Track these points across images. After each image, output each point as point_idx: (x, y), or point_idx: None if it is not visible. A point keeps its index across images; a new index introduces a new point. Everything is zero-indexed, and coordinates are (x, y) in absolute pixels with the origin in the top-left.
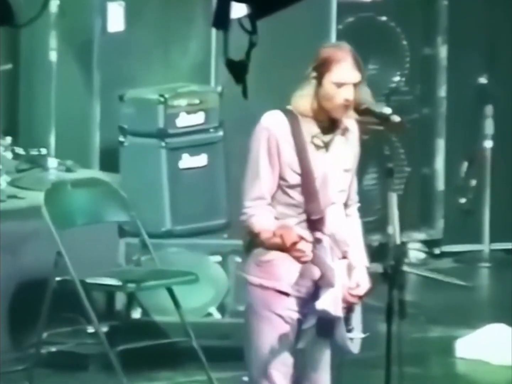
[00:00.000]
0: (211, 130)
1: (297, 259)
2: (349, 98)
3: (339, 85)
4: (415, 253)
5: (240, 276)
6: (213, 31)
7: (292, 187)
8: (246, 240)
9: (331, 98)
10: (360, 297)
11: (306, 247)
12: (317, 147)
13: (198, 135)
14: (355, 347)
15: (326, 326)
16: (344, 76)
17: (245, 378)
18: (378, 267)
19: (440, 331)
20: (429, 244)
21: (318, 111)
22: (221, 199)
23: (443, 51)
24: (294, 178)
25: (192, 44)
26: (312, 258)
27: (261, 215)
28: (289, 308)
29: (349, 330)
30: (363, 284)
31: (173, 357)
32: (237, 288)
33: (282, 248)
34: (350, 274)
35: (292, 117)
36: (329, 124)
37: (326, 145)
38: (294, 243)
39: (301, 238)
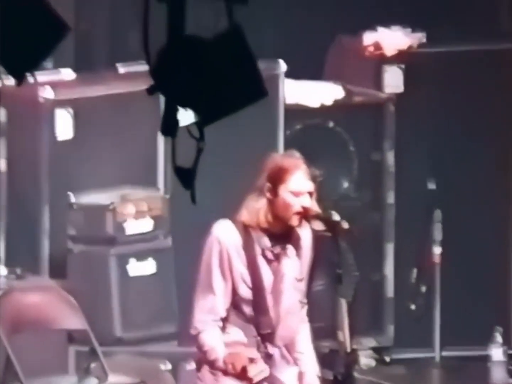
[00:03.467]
0: (160, 237)
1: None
2: (307, 206)
3: (296, 194)
4: (366, 360)
5: None
6: (160, 135)
7: (244, 301)
8: (198, 352)
9: (288, 207)
10: None
11: (256, 369)
12: (269, 260)
13: (147, 243)
14: None
15: None
16: (300, 185)
17: None
18: (328, 374)
19: None
20: (380, 350)
21: (273, 222)
22: (171, 306)
23: (390, 157)
24: (246, 292)
25: (139, 149)
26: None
27: (210, 333)
28: None
29: None
30: None
31: None
32: None
33: (229, 373)
34: (300, 382)
35: (243, 229)
36: (282, 235)
37: (278, 257)
38: (244, 368)
39: (251, 360)
